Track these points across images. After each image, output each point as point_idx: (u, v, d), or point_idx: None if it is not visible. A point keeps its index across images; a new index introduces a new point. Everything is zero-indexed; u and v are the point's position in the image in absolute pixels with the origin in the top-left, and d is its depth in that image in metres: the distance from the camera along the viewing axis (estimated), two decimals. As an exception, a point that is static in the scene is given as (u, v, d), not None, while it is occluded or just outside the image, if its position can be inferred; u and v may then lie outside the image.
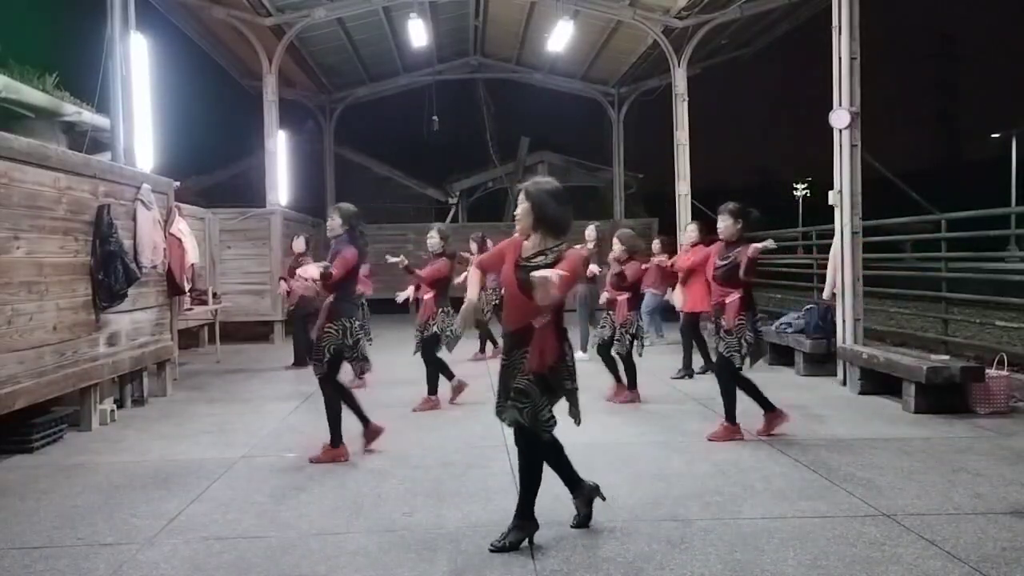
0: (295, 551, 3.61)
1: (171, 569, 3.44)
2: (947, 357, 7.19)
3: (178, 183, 8.58)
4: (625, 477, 4.69)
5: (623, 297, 6.97)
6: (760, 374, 8.55)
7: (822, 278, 9.39)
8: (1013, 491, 4.32)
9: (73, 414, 6.08)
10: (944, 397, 6.30)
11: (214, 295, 10.68)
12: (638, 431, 5.90)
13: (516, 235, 3.75)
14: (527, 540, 3.62)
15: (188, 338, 11.15)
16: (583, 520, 3.85)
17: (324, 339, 5.04)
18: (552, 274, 3.31)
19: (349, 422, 5.31)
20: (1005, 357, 6.68)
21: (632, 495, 4.34)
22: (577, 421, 3.78)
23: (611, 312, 7.05)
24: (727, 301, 5.54)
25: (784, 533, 3.72)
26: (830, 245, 8.07)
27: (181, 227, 8.13)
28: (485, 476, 4.72)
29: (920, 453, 5.12)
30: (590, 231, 9.49)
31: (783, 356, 8.84)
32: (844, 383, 7.53)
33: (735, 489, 4.41)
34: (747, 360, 5.57)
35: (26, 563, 3.52)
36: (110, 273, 6.30)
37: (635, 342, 6.93)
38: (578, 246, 8.23)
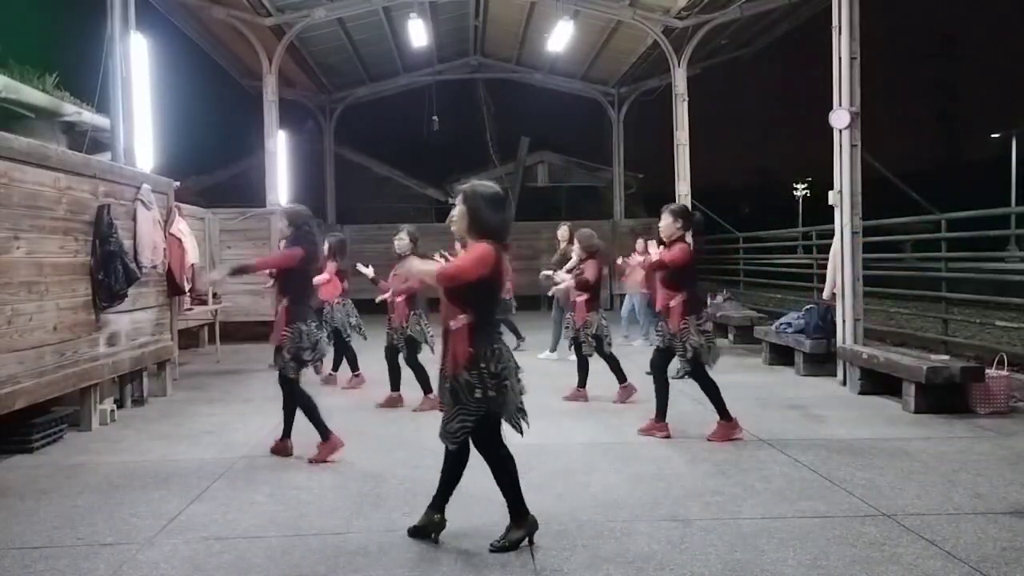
0: (295, 551, 3.61)
1: (171, 569, 3.44)
2: (947, 357, 7.19)
3: (178, 183, 8.58)
4: (625, 477, 4.69)
5: (581, 298, 7.01)
6: (760, 374, 8.59)
7: (822, 278, 9.40)
8: (1013, 491, 4.32)
9: (73, 414, 6.08)
10: (944, 397, 6.31)
11: (214, 295, 10.68)
12: (638, 431, 5.89)
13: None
14: (527, 539, 3.62)
15: (188, 338, 11.15)
16: (414, 530, 3.74)
17: (283, 343, 5.08)
18: (414, 261, 3.48)
19: (346, 419, 5.30)
20: (1005, 357, 6.68)
21: (632, 495, 4.34)
22: (518, 430, 3.63)
23: (573, 313, 7.10)
24: (671, 304, 5.54)
25: (784, 533, 3.72)
26: (830, 245, 8.08)
27: (181, 227, 8.13)
28: (485, 476, 4.70)
29: (920, 453, 5.12)
30: (562, 231, 9.47)
31: (783, 356, 8.84)
32: (844, 383, 7.53)
33: (735, 489, 4.41)
34: (709, 362, 5.55)
35: (26, 563, 3.52)
36: (110, 273, 6.30)
37: (603, 341, 6.96)
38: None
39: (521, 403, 3.64)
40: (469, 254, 3.53)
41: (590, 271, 7.00)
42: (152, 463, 5.21)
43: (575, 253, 7.42)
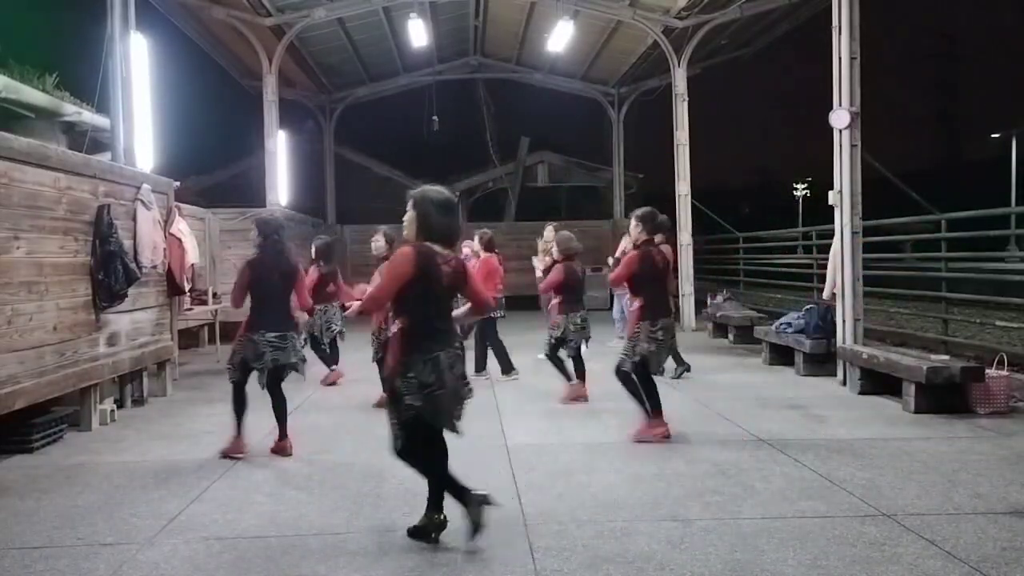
0: (295, 551, 3.61)
1: (171, 569, 3.44)
2: (947, 357, 7.19)
3: (178, 183, 8.58)
4: (625, 477, 4.69)
5: (555, 301, 7.13)
6: (760, 374, 8.59)
7: (822, 278, 9.40)
8: (1013, 491, 4.32)
9: (73, 414, 6.07)
10: (944, 397, 6.30)
11: (214, 295, 10.68)
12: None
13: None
14: (433, 534, 3.64)
15: (188, 338, 11.14)
16: (414, 530, 3.73)
17: (236, 349, 5.33)
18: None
19: (346, 418, 5.27)
20: (1005, 357, 6.68)
21: (632, 495, 4.33)
22: (453, 431, 3.65)
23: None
24: (631, 308, 5.65)
25: (784, 533, 3.72)
26: (830, 245, 8.08)
27: (181, 227, 8.12)
28: (485, 476, 4.71)
29: (920, 453, 5.12)
30: (548, 232, 9.50)
31: (783, 356, 8.84)
32: (844, 383, 7.53)
33: (735, 489, 4.41)
34: (655, 370, 5.58)
35: (26, 563, 3.52)
36: (110, 273, 6.29)
37: (564, 345, 7.04)
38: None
39: (460, 410, 3.63)
40: (387, 267, 3.64)
41: (555, 274, 7.09)
42: (152, 463, 5.21)
43: (544, 253, 7.52)
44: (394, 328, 3.57)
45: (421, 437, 3.62)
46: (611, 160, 19.18)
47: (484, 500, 3.59)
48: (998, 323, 8.96)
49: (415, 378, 3.47)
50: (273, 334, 5.23)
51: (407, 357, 3.50)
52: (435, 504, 3.71)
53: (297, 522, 3.99)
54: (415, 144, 22.29)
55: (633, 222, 5.70)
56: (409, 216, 3.65)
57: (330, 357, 8.28)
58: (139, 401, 7.25)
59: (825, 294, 8.24)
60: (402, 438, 3.58)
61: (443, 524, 3.70)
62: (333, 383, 8.08)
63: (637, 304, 5.57)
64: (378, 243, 6.81)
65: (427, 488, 3.73)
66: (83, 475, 4.92)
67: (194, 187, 17.63)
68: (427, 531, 3.70)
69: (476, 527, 3.55)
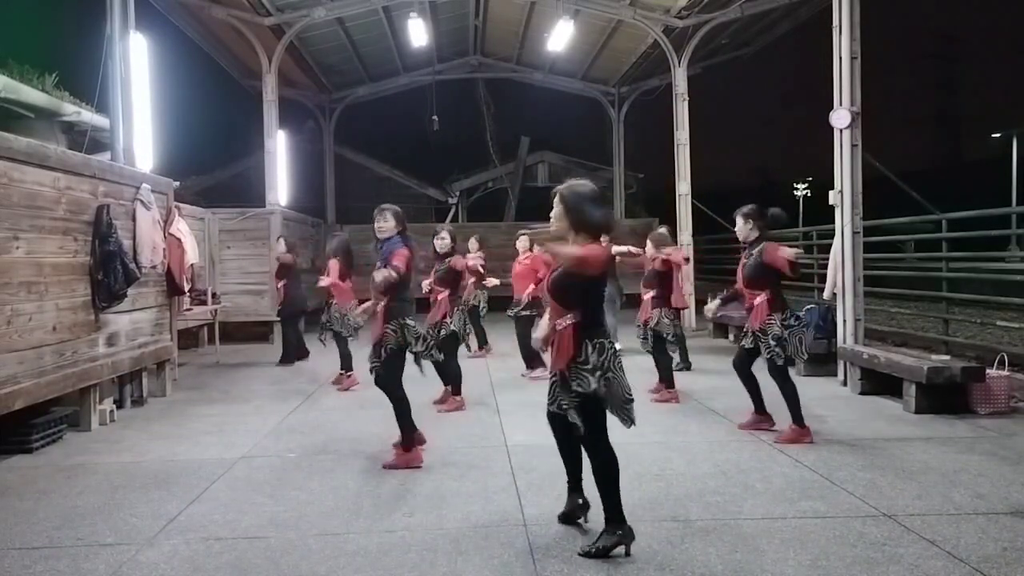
0: (295, 551, 3.60)
1: (171, 569, 3.44)
2: (948, 357, 7.18)
3: (178, 183, 8.57)
4: (625, 477, 4.63)
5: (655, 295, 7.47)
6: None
7: (822, 278, 9.39)
8: (1014, 491, 4.31)
9: (73, 414, 6.07)
10: (945, 397, 6.30)
11: (213, 295, 10.68)
12: (638, 431, 5.83)
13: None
14: (622, 547, 3.49)
15: (188, 338, 11.14)
16: (563, 516, 3.92)
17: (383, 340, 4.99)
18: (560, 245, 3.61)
19: (346, 418, 5.25)
20: (1006, 357, 6.68)
21: (632, 495, 4.32)
22: (627, 422, 3.69)
23: None
24: (755, 303, 5.68)
25: (784, 533, 3.72)
26: (830, 245, 8.07)
27: (181, 227, 8.12)
28: (485, 476, 4.72)
29: (920, 453, 5.12)
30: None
31: (783, 356, 8.82)
32: (845, 383, 7.53)
33: (735, 489, 4.41)
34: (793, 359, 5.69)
35: (26, 563, 3.52)
36: (109, 273, 6.29)
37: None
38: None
39: (629, 395, 3.63)
40: (592, 259, 3.50)
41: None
42: (152, 463, 5.21)
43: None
44: (566, 322, 3.54)
45: (593, 422, 3.61)
46: (611, 160, 19.18)
47: (631, 538, 3.52)
48: (999, 323, 8.94)
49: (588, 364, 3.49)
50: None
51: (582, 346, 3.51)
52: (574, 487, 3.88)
53: (297, 522, 3.99)
54: (415, 144, 22.28)
55: (741, 221, 5.65)
56: (557, 212, 3.63)
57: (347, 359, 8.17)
58: (139, 401, 7.25)
59: (826, 294, 8.23)
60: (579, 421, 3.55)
61: (586, 506, 3.85)
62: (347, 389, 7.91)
63: (764, 297, 5.61)
64: (444, 241, 6.78)
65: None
66: (83, 475, 4.91)
67: (194, 187, 17.62)
68: (575, 515, 3.85)
69: (597, 552, 3.46)
